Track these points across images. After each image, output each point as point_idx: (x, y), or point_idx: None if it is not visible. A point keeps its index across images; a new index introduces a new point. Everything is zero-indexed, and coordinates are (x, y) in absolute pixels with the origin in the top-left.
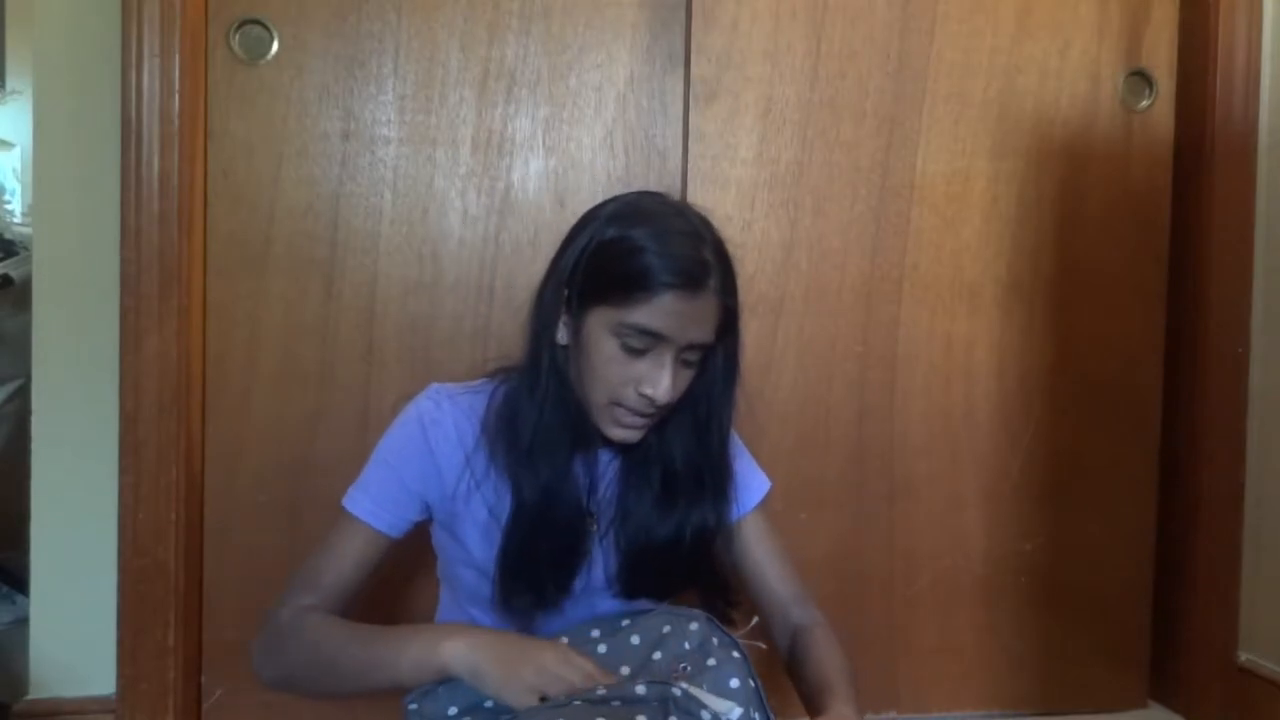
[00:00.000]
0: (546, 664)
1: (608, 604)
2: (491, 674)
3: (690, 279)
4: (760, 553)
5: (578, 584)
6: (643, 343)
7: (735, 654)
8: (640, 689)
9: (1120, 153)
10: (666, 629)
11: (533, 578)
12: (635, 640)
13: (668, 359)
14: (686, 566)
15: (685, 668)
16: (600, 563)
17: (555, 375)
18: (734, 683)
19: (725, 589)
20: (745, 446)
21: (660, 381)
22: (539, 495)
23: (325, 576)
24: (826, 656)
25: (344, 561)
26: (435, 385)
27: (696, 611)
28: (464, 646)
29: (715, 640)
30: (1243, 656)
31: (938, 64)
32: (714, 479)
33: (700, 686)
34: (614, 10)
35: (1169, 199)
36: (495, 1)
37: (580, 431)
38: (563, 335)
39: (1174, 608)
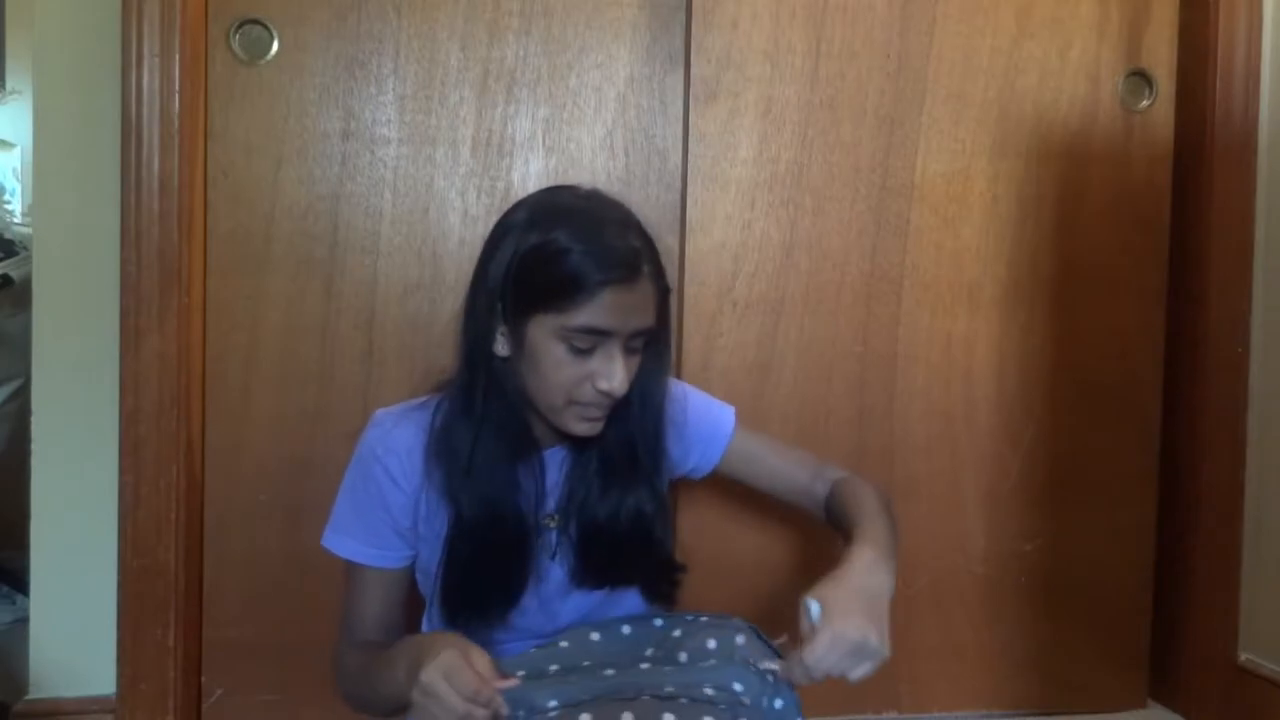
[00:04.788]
0: (425, 685)
1: (574, 599)
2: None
3: (625, 270)
4: (761, 465)
5: (541, 586)
6: (589, 342)
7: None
8: (709, 690)
9: (1120, 153)
10: (713, 644)
11: (475, 598)
12: (683, 656)
13: (616, 351)
14: (632, 548)
15: (751, 661)
16: (561, 559)
17: (494, 390)
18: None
19: (669, 569)
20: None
21: (614, 375)
22: (480, 515)
23: (359, 623)
24: (849, 499)
25: (367, 608)
26: (380, 411)
27: (740, 622)
28: (401, 669)
29: (764, 650)
30: (1243, 656)
31: (938, 64)
32: (650, 457)
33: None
34: (614, 10)
35: (1169, 199)
36: (495, 1)
37: (523, 441)
38: (502, 347)
39: (1174, 608)
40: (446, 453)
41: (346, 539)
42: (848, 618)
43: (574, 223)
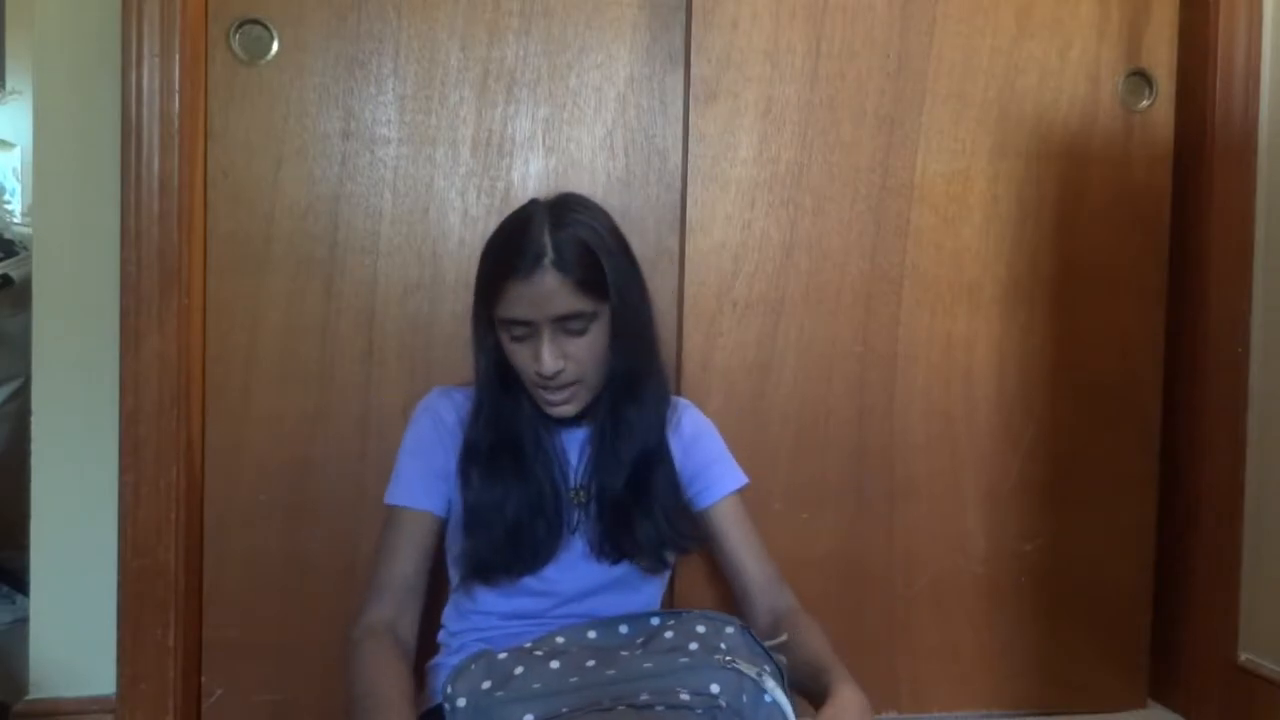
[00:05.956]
0: None
1: (596, 569)
2: None
3: (522, 264)
4: (739, 536)
5: (561, 555)
6: (517, 331)
7: (769, 667)
8: (685, 695)
9: (1120, 153)
10: (701, 629)
11: (488, 564)
12: (669, 635)
13: (543, 336)
14: (643, 515)
15: (730, 659)
16: (582, 532)
17: (502, 375)
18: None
19: (681, 535)
20: (726, 445)
21: (541, 358)
22: (494, 488)
23: (387, 575)
24: (817, 638)
25: (399, 554)
26: (437, 386)
27: (732, 618)
28: None
29: (754, 647)
30: (1243, 656)
31: (938, 64)
32: (648, 430)
33: (770, 680)
34: (614, 10)
35: (1169, 199)
36: (495, 1)
37: (534, 420)
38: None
39: (1174, 608)
40: (473, 431)
41: (392, 487)
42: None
43: (502, 226)
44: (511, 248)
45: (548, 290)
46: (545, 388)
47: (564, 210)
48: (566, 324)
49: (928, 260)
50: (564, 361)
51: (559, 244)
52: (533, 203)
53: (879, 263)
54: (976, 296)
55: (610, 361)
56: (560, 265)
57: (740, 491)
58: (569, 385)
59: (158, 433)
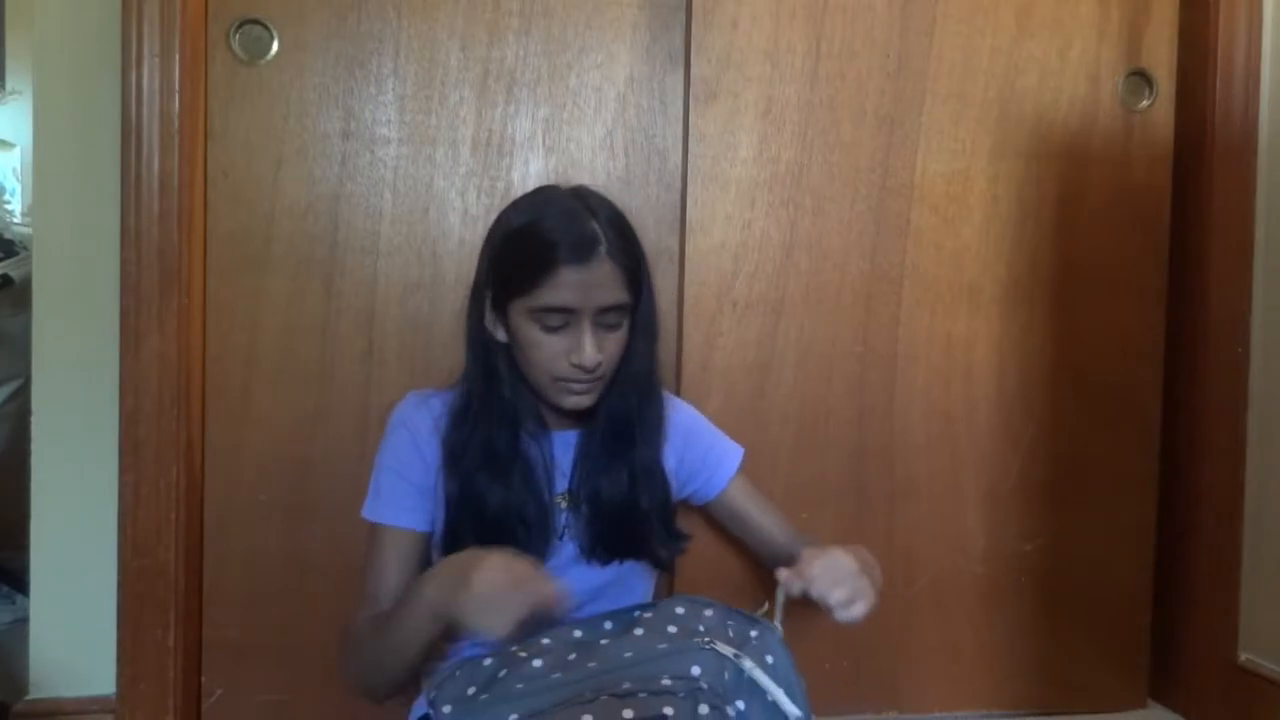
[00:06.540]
0: (485, 581)
1: (588, 573)
2: (457, 611)
3: (579, 250)
4: (755, 509)
5: (550, 561)
6: (557, 320)
7: (755, 632)
8: (666, 680)
9: (1120, 153)
10: (680, 610)
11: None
12: (648, 623)
13: (585, 327)
14: (637, 519)
15: (709, 640)
16: (570, 537)
17: (495, 375)
18: (769, 659)
19: (672, 536)
20: (711, 421)
21: (583, 349)
22: (481, 495)
23: (377, 592)
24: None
25: (387, 571)
26: (412, 392)
27: (711, 600)
28: (432, 591)
29: (738, 620)
30: (1243, 656)
31: (938, 64)
32: (646, 428)
33: (748, 659)
34: (614, 10)
35: (1169, 199)
36: (495, 1)
37: (527, 422)
38: (501, 334)
39: (1174, 608)
40: (456, 433)
41: (373, 503)
42: (837, 553)
43: (539, 212)
44: (558, 232)
45: (602, 278)
46: (575, 380)
47: (591, 199)
48: (606, 316)
49: (928, 260)
50: (600, 354)
51: (607, 232)
52: (553, 188)
53: (879, 263)
54: (976, 296)
55: (622, 359)
56: (612, 254)
57: (741, 465)
58: (597, 380)
59: (158, 433)
